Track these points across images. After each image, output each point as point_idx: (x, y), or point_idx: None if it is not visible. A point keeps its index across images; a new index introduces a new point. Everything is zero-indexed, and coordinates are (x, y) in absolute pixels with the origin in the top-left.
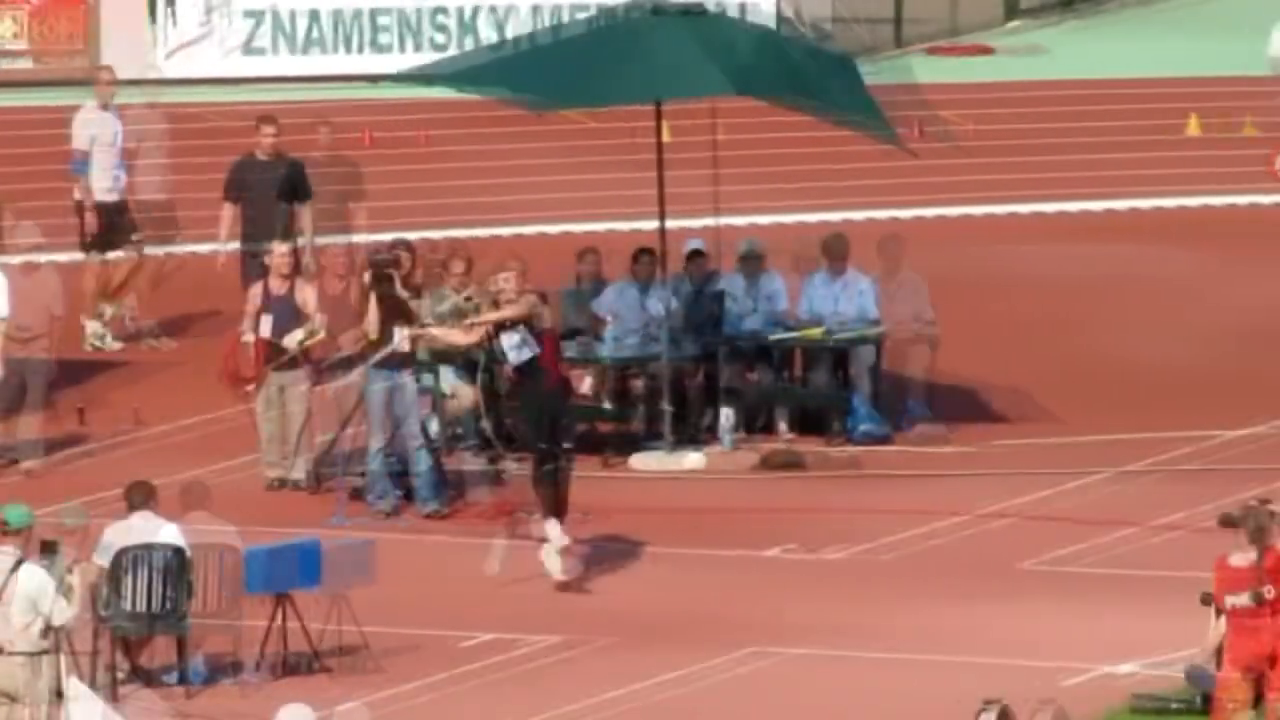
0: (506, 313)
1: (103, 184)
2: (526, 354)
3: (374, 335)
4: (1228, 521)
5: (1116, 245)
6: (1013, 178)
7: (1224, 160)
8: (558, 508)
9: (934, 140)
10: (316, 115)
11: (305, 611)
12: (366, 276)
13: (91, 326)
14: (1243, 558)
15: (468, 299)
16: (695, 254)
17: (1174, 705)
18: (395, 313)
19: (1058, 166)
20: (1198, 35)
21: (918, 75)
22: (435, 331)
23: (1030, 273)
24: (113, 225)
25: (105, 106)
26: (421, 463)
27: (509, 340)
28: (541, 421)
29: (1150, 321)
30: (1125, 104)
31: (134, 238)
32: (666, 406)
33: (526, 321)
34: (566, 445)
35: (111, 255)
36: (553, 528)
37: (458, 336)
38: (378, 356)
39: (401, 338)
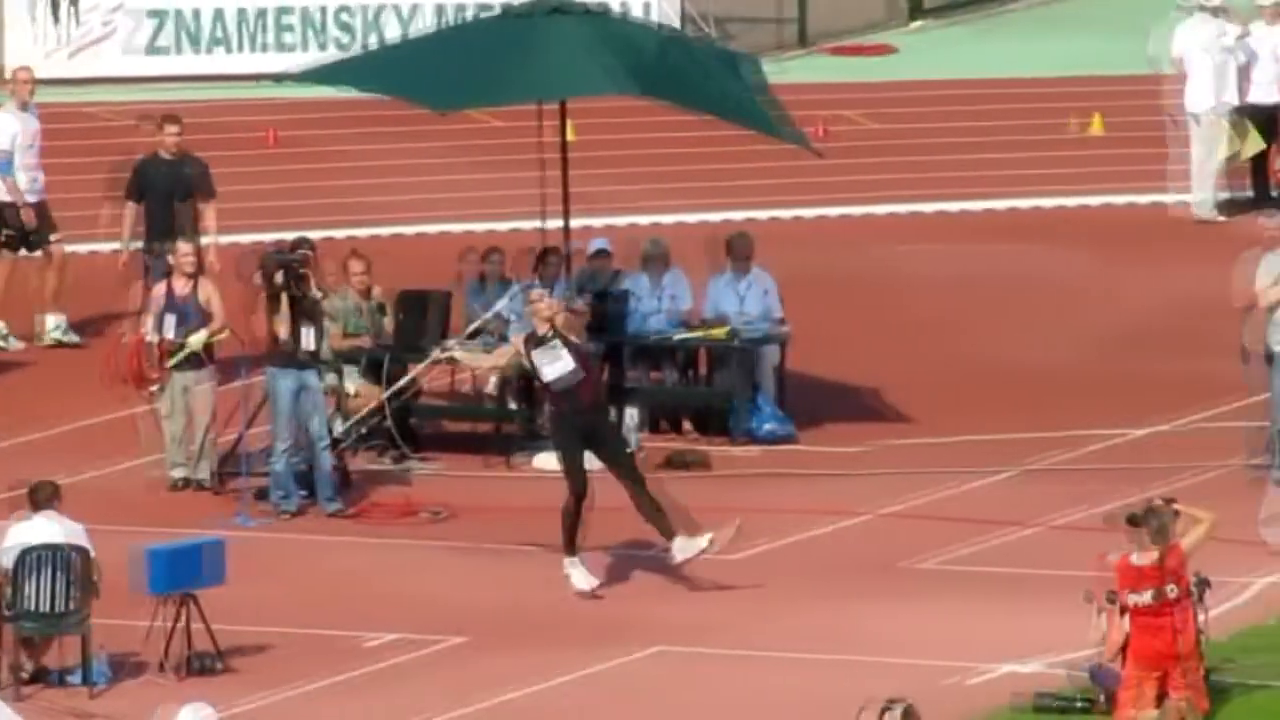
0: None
1: (24, 184)
2: (562, 370)
3: (285, 335)
4: (1132, 520)
5: (1013, 245)
6: (914, 177)
7: (1114, 160)
8: (662, 522)
9: (838, 140)
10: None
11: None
12: (279, 276)
13: (53, 320)
14: (1144, 557)
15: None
16: (599, 253)
17: (1078, 704)
18: (307, 313)
19: (960, 166)
20: (1100, 35)
21: (822, 75)
22: (461, 356)
23: (930, 272)
24: (37, 224)
25: (24, 106)
26: (325, 462)
27: (543, 357)
28: (577, 452)
29: (1038, 322)
30: (1025, 103)
31: (52, 238)
32: None
33: (564, 338)
34: (627, 456)
35: (26, 254)
36: (575, 568)
37: (487, 360)
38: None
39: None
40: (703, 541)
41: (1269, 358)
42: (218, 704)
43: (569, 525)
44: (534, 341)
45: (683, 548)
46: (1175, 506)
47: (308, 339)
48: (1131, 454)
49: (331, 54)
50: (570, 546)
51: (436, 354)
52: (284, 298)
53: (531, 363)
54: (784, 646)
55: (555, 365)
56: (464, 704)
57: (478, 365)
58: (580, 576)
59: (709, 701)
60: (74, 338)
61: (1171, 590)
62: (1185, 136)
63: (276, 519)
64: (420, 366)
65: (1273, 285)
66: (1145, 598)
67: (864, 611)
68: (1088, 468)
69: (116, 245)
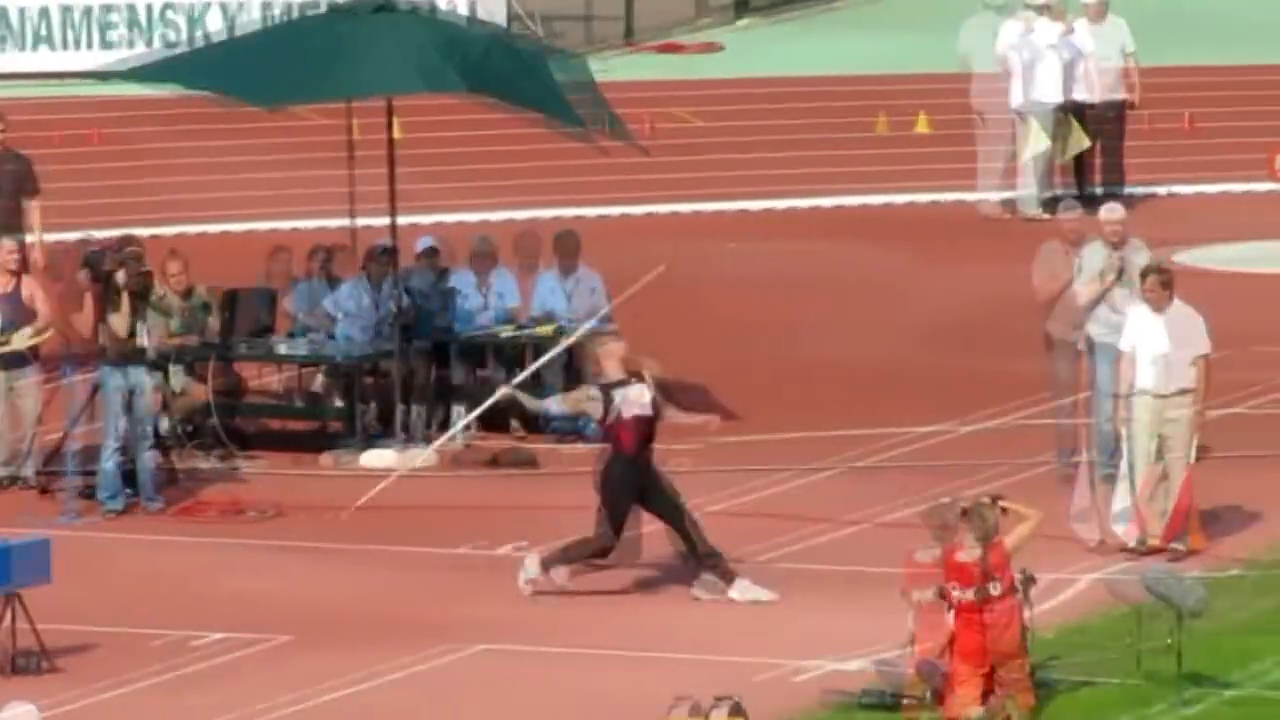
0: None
1: None
2: (637, 411)
3: (123, 334)
4: (962, 515)
5: (837, 242)
6: (742, 174)
7: (934, 158)
8: (721, 565)
9: (665, 137)
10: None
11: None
12: (121, 274)
13: None
14: (968, 553)
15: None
16: (428, 251)
17: (904, 701)
18: (144, 311)
19: (786, 163)
20: (926, 32)
21: (649, 73)
22: (527, 402)
23: (757, 270)
24: None
25: None
26: (148, 461)
27: (628, 393)
28: (626, 509)
29: (860, 319)
30: (849, 100)
31: None
32: (399, 404)
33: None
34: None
35: None
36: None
37: (554, 406)
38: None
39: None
40: (764, 594)
41: (1090, 348)
42: (42, 703)
43: (578, 554)
44: (612, 386)
45: (743, 590)
46: (1003, 504)
47: (143, 337)
48: (952, 450)
49: (157, 51)
50: (565, 562)
51: (502, 392)
52: (125, 295)
53: (613, 405)
54: (607, 644)
55: (642, 406)
56: (289, 702)
57: (540, 407)
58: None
59: (531, 700)
60: None
61: (994, 587)
62: (996, 135)
63: (103, 518)
64: (483, 405)
65: (1091, 280)
66: (968, 594)
67: (688, 609)
68: (910, 464)
69: None
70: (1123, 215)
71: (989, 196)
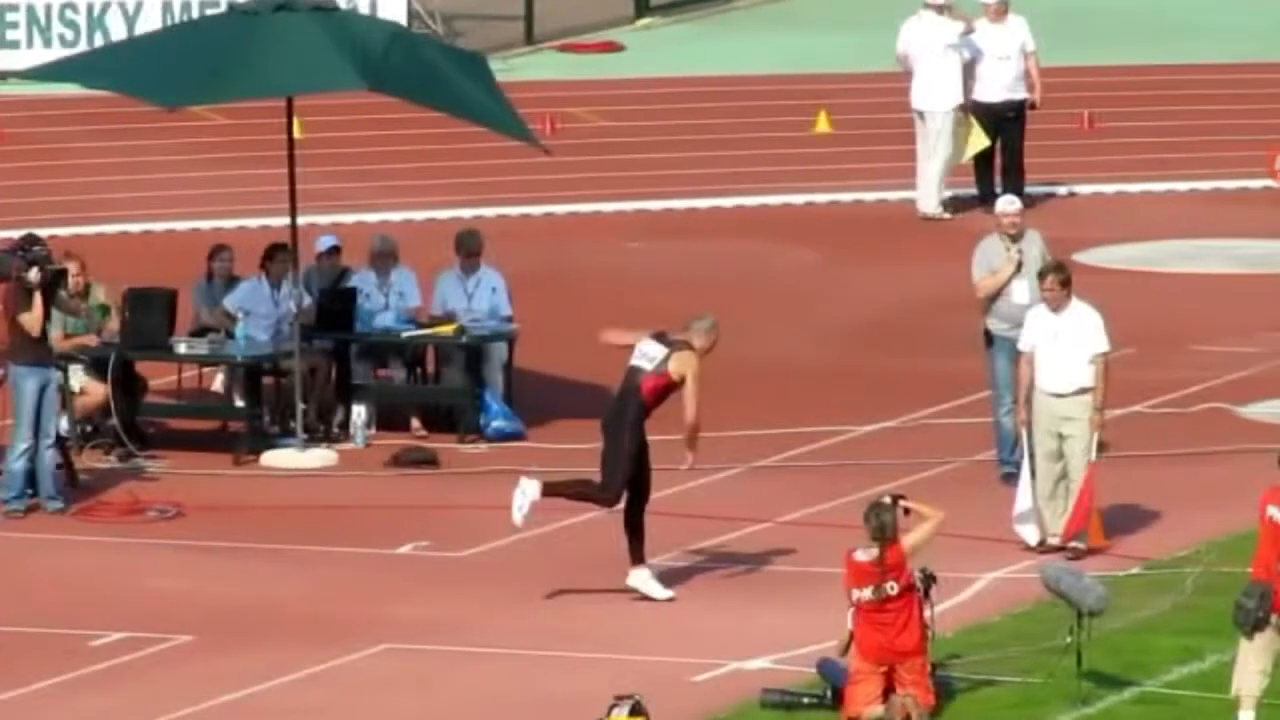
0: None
1: None
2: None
3: (36, 333)
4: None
5: (742, 242)
6: (642, 174)
7: (841, 158)
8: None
9: (566, 137)
10: None
11: None
12: (34, 273)
13: None
14: (866, 553)
15: None
16: (332, 250)
17: (805, 700)
18: (54, 310)
19: (688, 163)
20: (826, 31)
21: (550, 72)
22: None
23: (658, 270)
24: None
25: None
26: (48, 461)
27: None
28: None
29: (769, 319)
30: (752, 100)
31: None
32: (300, 403)
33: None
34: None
35: None
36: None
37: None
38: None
39: None
40: (659, 592)
41: (989, 341)
42: None
43: (578, 494)
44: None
45: (642, 580)
46: (904, 504)
47: (54, 336)
48: (862, 450)
49: (57, 52)
50: (563, 496)
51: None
52: (37, 295)
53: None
54: (512, 644)
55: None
56: (190, 703)
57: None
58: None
59: (435, 699)
60: None
61: (891, 587)
62: (936, 133)
63: (4, 519)
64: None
65: (989, 274)
66: (866, 593)
67: (593, 608)
68: (818, 464)
69: None
70: (1020, 207)
71: (928, 196)
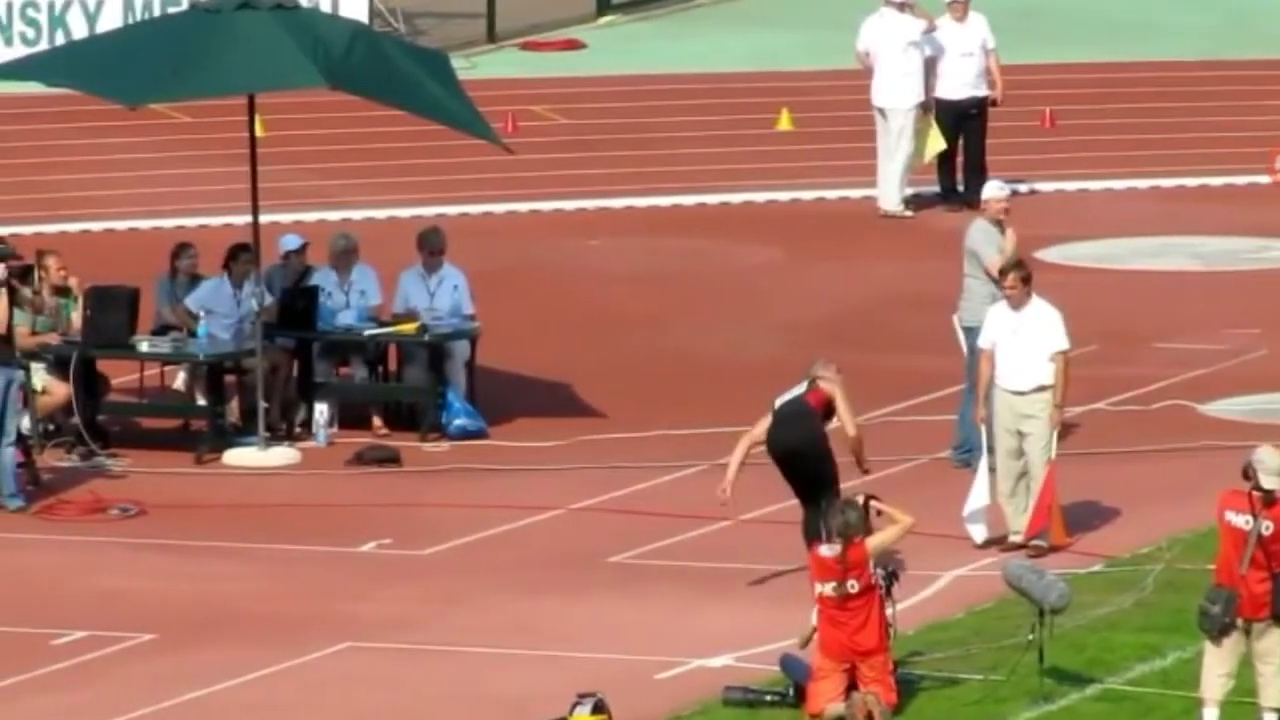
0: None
1: None
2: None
3: (2, 331)
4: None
5: (703, 240)
6: (604, 172)
7: (803, 155)
8: None
9: (527, 135)
10: None
11: None
12: (0, 271)
13: None
14: (830, 548)
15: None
16: (299, 249)
17: (768, 697)
18: (20, 308)
19: (648, 161)
20: (788, 29)
21: (511, 70)
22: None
23: (620, 267)
24: None
25: None
26: (7, 458)
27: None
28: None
29: (730, 317)
30: (713, 98)
31: None
32: (261, 402)
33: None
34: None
35: None
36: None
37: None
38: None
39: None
40: None
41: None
42: None
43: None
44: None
45: None
46: (876, 505)
47: (20, 333)
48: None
49: (17, 50)
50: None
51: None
52: (2, 292)
53: None
54: (475, 642)
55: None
56: (152, 701)
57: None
58: None
59: (397, 697)
60: None
61: (852, 585)
62: (898, 130)
63: None
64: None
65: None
66: (828, 589)
67: (556, 606)
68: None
69: None
70: (1010, 193)
71: (889, 193)
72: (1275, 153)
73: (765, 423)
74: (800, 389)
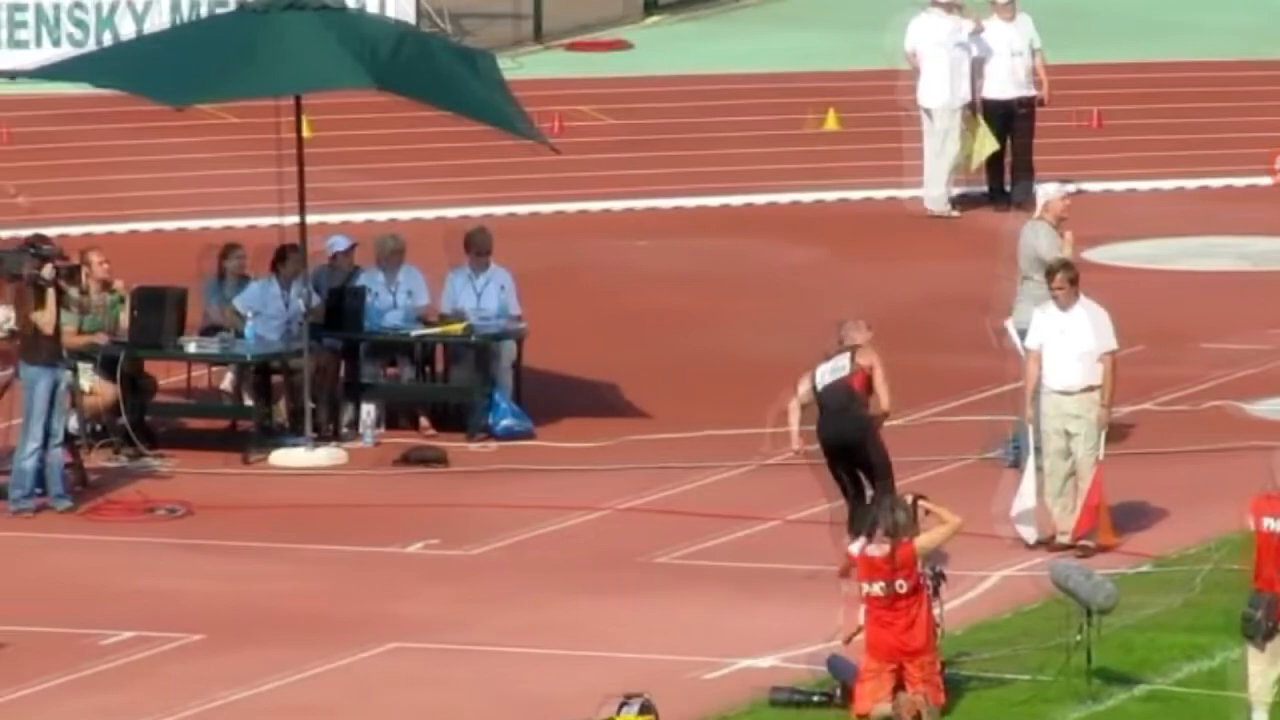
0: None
1: None
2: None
3: (51, 331)
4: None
5: (750, 240)
6: (651, 172)
7: (850, 155)
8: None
9: (574, 135)
10: None
11: None
12: (48, 270)
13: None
14: (879, 548)
15: None
16: (347, 250)
17: (815, 698)
18: (68, 309)
19: (696, 161)
20: (835, 29)
21: (558, 70)
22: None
23: (667, 267)
24: None
25: None
26: (57, 459)
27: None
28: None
29: (777, 317)
30: (760, 98)
31: None
32: (309, 403)
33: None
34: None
35: None
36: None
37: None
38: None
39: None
40: None
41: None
42: None
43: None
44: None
45: None
46: (925, 505)
47: (68, 332)
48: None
49: (65, 51)
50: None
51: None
52: (50, 293)
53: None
54: (521, 642)
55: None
56: (200, 701)
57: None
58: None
59: (444, 697)
60: None
61: (900, 585)
62: (920, 131)
63: (14, 517)
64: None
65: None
66: (876, 589)
67: (602, 606)
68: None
69: None
70: (1071, 194)
71: (936, 194)
72: (1276, 153)
73: (805, 385)
74: (841, 361)
